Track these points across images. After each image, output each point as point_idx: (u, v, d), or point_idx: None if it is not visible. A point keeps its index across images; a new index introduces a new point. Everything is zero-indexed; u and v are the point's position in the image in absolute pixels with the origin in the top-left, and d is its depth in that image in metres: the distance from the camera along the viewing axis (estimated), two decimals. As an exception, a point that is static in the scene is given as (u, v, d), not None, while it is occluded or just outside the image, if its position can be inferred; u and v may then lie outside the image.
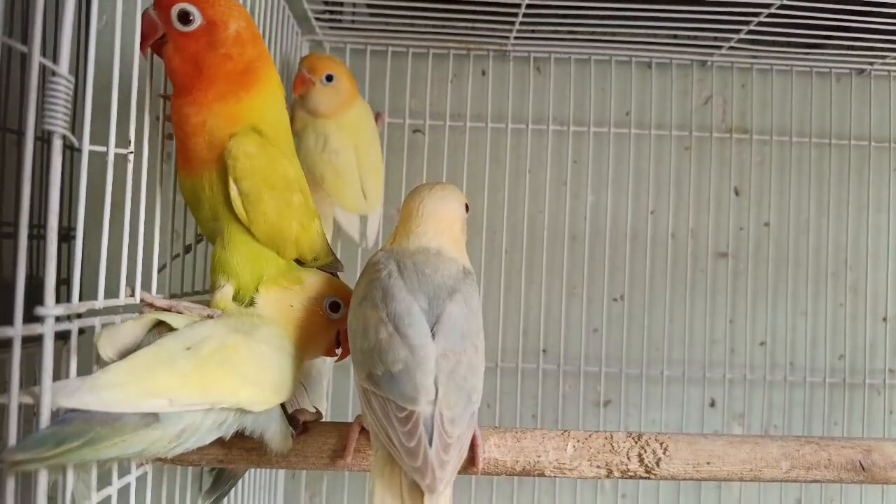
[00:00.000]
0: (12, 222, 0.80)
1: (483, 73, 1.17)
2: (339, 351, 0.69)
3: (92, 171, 0.53)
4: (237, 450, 0.63)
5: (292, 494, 1.15)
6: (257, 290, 0.64)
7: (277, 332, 0.62)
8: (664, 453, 0.65)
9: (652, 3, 0.98)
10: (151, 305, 0.59)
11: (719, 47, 1.11)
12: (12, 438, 0.44)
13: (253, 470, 0.98)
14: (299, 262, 0.70)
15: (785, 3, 0.91)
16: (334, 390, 1.06)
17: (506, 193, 1.15)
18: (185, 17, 0.59)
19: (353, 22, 1.11)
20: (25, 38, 0.44)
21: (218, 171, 0.62)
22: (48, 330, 0.45)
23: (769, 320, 1.17)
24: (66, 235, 0.83)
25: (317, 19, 1.07)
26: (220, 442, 0.60)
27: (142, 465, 0.61)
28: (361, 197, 0.99)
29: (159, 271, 0.63)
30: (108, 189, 0.54)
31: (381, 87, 1.14)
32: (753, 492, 1.16)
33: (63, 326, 0.49)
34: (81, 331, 0.52)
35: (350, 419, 0.69)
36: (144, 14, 0.59)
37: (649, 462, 0.65)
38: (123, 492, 0.58)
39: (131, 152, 0.57)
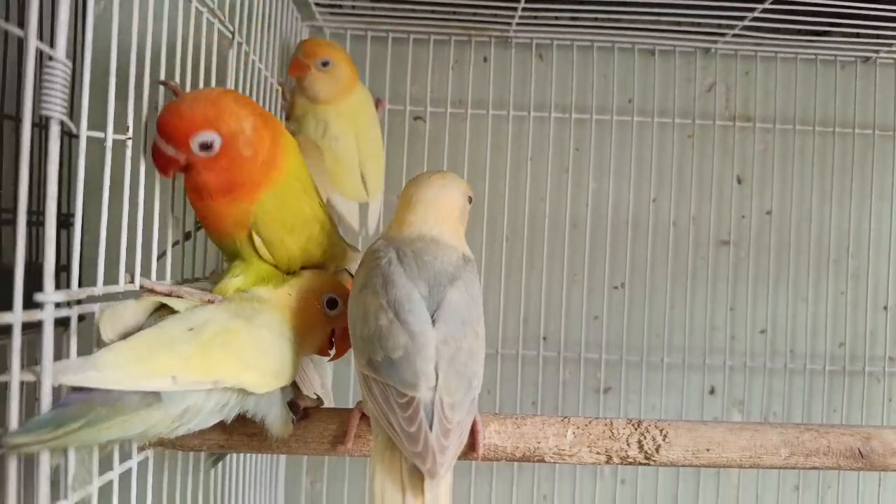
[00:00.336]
0: (12, 209, 0.80)
1: (485, 59, 1.17)
2: (332, 351, 0.69)
3: (91, 157, 0.53)
4: (238, 435, 0.63)
5: (293, 480, 1.15)
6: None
7: (278, 319, 0.62)
8: (664, 440, 0.65)
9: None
10: (152, 291, 0.59)
11: (723, 34, 1.10)
12: (13, 422, 0.44)
13: (254, 455, 0.98)
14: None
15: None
16: (335, 377, 1.06)
17: (507, 181, 1.15)
18: (206, 147, 0.58)
19: (353, 7, 1.10)
20: (22, 22, 0.43)
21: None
22: (48, 316, 0.45)
23: (770, 308, 1.17)
24: (65, 222, 0.83)
25: (317, 5, 1.06)
26: (221, 427, 0.60)
27: (143, 449, 0.62)
28: (361, 184, 0.99)
29: (159, 258, 0.63)
30: (106, 175, 0.54)
31: (382, 73, 1.13)
32: (752, 478, 1.17)
33: (63, 313, 0.49)
34: (81, 317, 0.52)
35: (351, 405, 0.69)
36: (155, 148, 0.58)
37: (649, 448, 0.65)
38: (125, 477, 0.59)
39: (130, 138, 0.57)
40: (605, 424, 0.66)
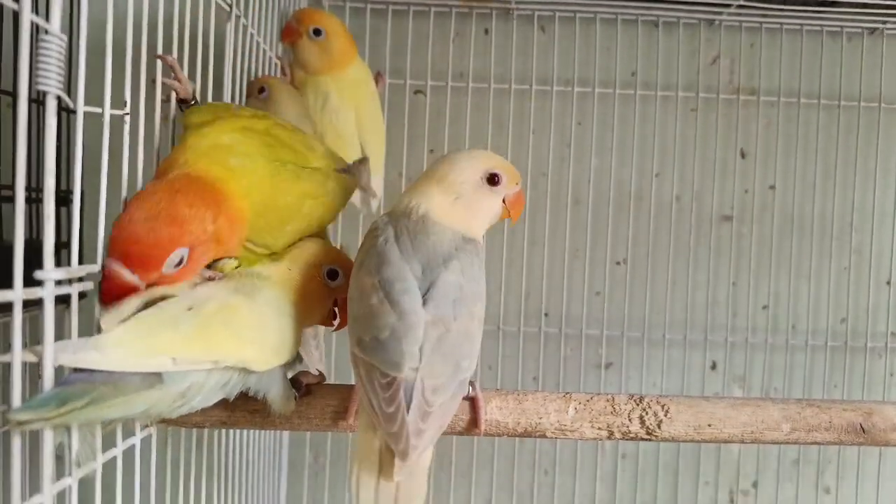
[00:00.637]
0: (10, 185, 0.79)
1: (486, 32, 1.15)
2: (336, 322, 0.69)
3: (89, 133, 0.52)
4: (241, 412, 0.64)
5: (296, 456, 1.16)
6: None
7: (278, 295, 0.62)
8: (665, 415, 0.65)
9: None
10: None
11: (728, 5, 1.09)
12: (17, 400, 0.44)
13: (257, 432, 0.99)
14: None
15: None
16: (337, 354, 1.07)
17: (508, 155, 1.14)
18: (178, 263, 0.55)
19: (352, -21, 1.08)
20: (16, -5, 0.42)
21: None
22: (48, 293, 0.45)
23: (772, 283, 1.16)
24: (64, 199, 0.83)
25: (316, -24, 1.04)
26: (224, 404, 0.60)
27: (146, 426, 0.62)
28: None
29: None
30: (104, 151, 0.54)
31: (382, 46, 1.11)
32: (752, 453, 1.18)
33: (63, 290, 0.49)
34: (82, 294, 0.52)
35: (352, 382, 0.69)
36: (111, 273, 0.52)
37: (650, 424, 0.65)
38: (128, 453, 0.59)
39: (127, 113, 0.56)
40: (607, 400, 0.66)
